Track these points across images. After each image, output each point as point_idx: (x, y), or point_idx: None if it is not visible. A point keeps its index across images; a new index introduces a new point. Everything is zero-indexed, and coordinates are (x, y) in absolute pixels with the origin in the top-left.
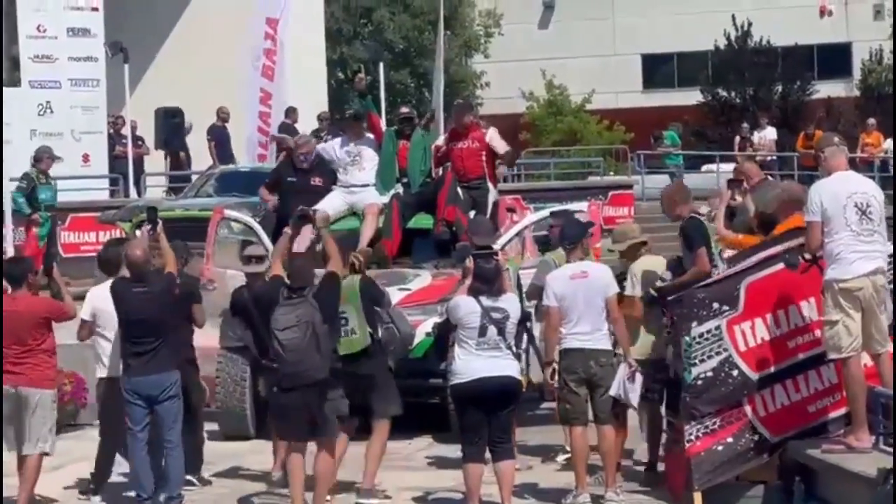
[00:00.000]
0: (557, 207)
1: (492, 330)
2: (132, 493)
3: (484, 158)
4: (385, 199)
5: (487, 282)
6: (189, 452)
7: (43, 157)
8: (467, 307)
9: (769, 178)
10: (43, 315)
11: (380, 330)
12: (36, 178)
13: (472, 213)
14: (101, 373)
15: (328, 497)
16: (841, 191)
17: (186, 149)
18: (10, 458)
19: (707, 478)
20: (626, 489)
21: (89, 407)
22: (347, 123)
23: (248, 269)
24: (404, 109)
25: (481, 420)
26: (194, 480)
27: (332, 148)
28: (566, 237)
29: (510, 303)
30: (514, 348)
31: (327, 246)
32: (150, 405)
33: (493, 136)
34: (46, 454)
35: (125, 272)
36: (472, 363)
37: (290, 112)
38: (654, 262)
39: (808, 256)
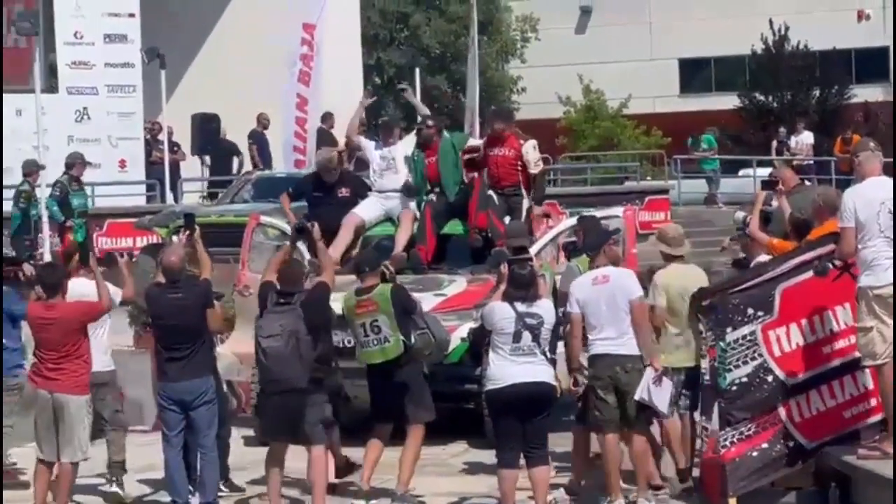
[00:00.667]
0: (587, 213)
1: (526, 336)
2: (167, 500)
3: (519, 167)
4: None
5: (522, 287)
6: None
7: (75, 163)
8: (502, 313)
9: (805, 182)
10: (79, 321)
11: (413, 337)
12: (68, 185)
13: (507, 219)
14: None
15: None
16: (874, 197)
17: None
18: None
19: (742, 484)
20: (659, 496)
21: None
22: (383, 128)
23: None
24: (430, 123)
25: (515, 426)
26: (221, 486)
27: (369, 150)
28: (586, 245)
29: (545, 309)
30: (548, 354)
31: (321, 257)
32: (185, 411)
33: (528, 150)
34: (84, 460)
35: (160, 277)
36: (507, 369)
37: (327, 117)
38: (685, 272)
39: (838, 263)
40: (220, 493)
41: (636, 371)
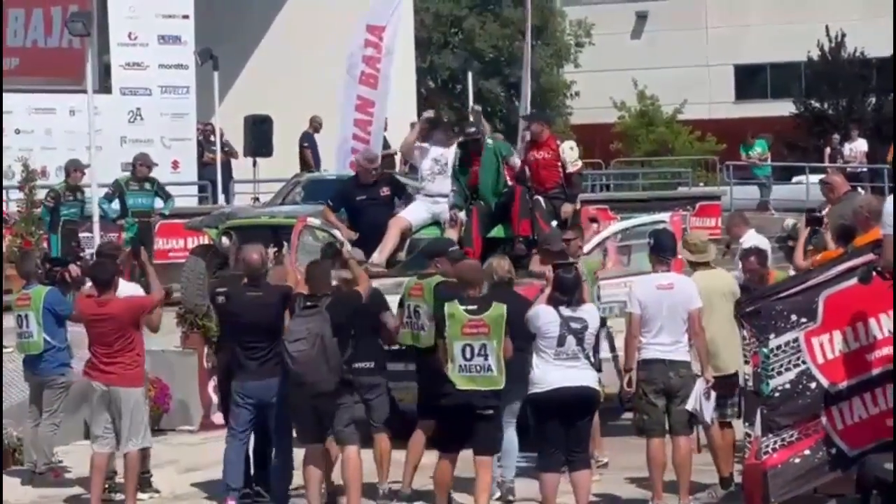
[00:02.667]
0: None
1: (570, 340)
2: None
3: (560, 167)
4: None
5: (567, 291)
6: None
7: (136, 165)
8: (546, 317)
9: (857, 190)
10: (131, 315)
11: None
12: (124, 184)
13: (553, 223)
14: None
15: None
16: None
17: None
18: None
19: (784, 490)
20: (702, 501)
21: (172, 412)
22: (441, 127)
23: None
24: (471, 130)
25: (558, 430)
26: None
27: (424, 154)
28: (662, 248)
29: (590, 313)
30: (591, 358)
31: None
32: (259, 409)
33: (566, 150)
34: (147, 447)
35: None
36: (550, 373)
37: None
38: (711, 276)
39: (880, 269)
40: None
41: (689, 377)
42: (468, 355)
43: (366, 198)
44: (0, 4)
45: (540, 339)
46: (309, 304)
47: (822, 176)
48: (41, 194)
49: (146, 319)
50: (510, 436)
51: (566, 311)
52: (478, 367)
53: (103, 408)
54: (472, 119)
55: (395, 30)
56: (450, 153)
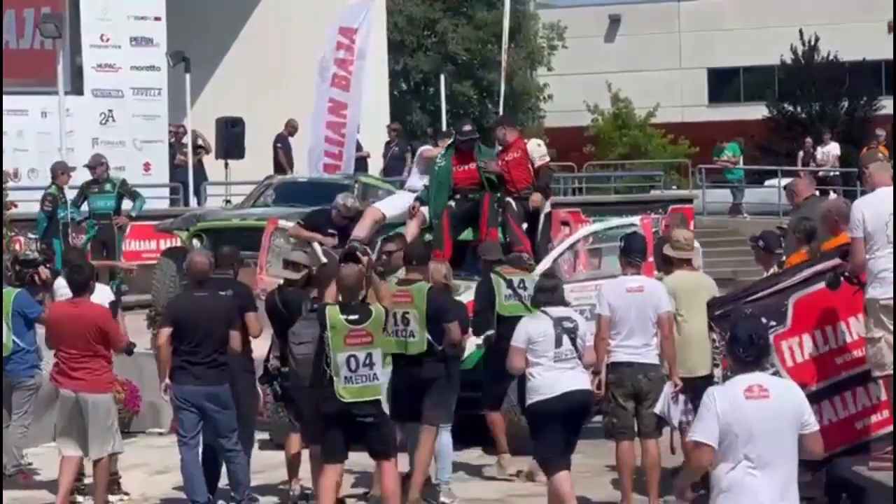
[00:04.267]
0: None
1: (566, 340)
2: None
3: (530, 166)
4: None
5: (547, 291)
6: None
7: (93, 167)
8: (537, 321)
9: (824, 195)
10: (100, 326)
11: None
12: (86, 188)
13: (525, 225)
14: None
15: None
16: (884, 208)
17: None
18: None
19: None
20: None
21: (142, 414)
22: (443, 135)
23: (283, 273)
24: (467, 128)
25: (561, 433)
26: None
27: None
28: (633, 251)
29: (575, 315)
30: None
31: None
32: (203, 414)
33: (533, 147)
34: (117, 453)
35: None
36: (553, 378)
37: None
38: (688, 278)
39: (847, 275)
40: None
41: (658, 379)
42: (353, 366)
43: (337, 232)
44: (0, 5)
45: (535, 346)
46: (315, 307)
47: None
48: (13, 196)
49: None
50: (446, 438)
51: (555, 312)
52: (364, 377)
53: (72, 414)
54: (468, 126)
55: (368, 32)
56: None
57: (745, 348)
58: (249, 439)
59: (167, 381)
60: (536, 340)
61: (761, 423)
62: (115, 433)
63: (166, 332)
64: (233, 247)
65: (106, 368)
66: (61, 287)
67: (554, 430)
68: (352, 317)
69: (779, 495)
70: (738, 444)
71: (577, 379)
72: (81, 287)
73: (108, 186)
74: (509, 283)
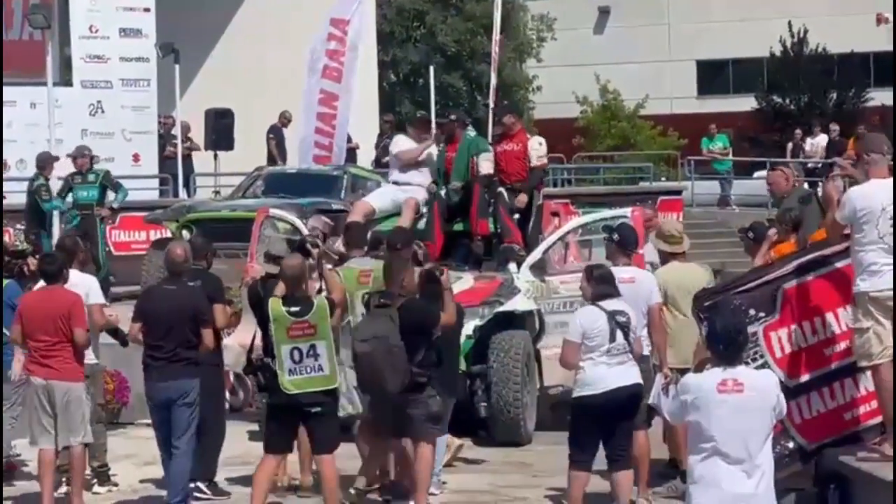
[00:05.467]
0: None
1: (619, 335)
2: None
3: (527, 161)
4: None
5: (604, 283)
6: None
7: (75, 158)
8: (592, 315)
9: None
10: (67, 310)
11: None
12: (71, 179)
13: (516, 216)
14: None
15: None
16: (877, 199)
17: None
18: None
19: None
20: (662, 494)
21: (131, 405)
22: (417, 123)
23: (265, 267)
24: (452, 116)
25: (600, 430)
26: (204, 488)
27: (396, 145)
28: (624, 242)
29: (626, 306)
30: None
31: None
32: (167, 409)
33: (534, 145)
34: (87, 444)
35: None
36: (604, 373)
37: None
38: (681, 269)
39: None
40: (201, 496)
41: (649, 371)
42: (297, 358)
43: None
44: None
45: (587, 341)
46: (382, 301)
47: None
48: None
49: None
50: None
51: (609, 306)
52: (308, 368)
53: (41, 402)
54: (455, 115)
55: (360, 24)
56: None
57: (724, 344)
58: (220, 434)
59: None
60: (592, 336)
61: (732, 416)
62: (85, 423)
63: (136, 326)
64: (206, 238)
65: (78, 358)
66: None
67: (593, 429)
68: (294, 308)
69: (750, 487)
70: (709, 437)
71: (628, 373)
72: (53, 276)
73: (91, 177)
74: None
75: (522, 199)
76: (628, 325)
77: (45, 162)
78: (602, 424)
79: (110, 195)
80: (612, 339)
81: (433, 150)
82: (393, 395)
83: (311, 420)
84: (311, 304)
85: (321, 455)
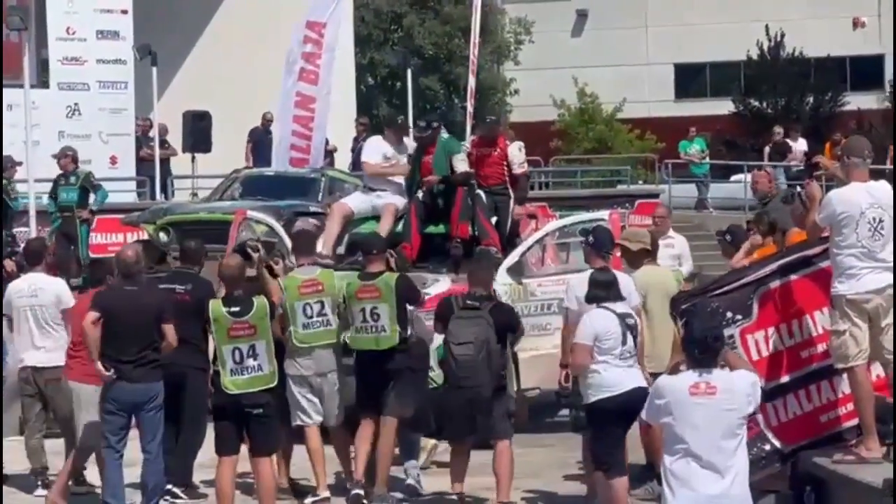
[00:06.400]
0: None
1: (629, 338)
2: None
3: (506, 166)
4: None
5: (604, 287)
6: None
7: (58, 160)
8: (604, 318)
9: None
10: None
11: (409, 329)
12: (56, 180)
13: (494, 219)
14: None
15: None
16: (857, 203)
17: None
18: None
19: None
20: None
21: None
22: (392, 127)
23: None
24: (422, 124)
25: (620, 433)
26: (180, 493)
27: (370, 148)
28: (600, 244)
29: (631, 309)
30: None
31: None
32: (132, 414)
33: (514, 151)
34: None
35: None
36: (619, 375)
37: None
38: (657, 273)
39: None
40: (175, 500)
41: None
42: (237, 358)
43: None
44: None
45: (601, 343)
46: (469, 303)
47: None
48: None
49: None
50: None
51: (618, 308)
52: (249, 369)
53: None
54: (421, 123)
55: (337, 26)
56: (401, 153)
57: (699, 349)
58: (199, 439)
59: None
60: (604, 338)
61: (704, 419)
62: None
63: (93, 315)
64: (199, 241)
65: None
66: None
67: (617, 430)
68: (233, 309)
69: (723, 488)
70: (682, 439)
71: (639, 376)
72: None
73: (72, 179)
74: None
75: (519, 210)
76: (636, 328)
77: (7, 164)
78: (621, 425)
79: (93, 197)
80: (624, 341)
81: (402, 168)
82: (477, 402)
83: (251, 422)
84: (251, 304)
85: (258, 458)
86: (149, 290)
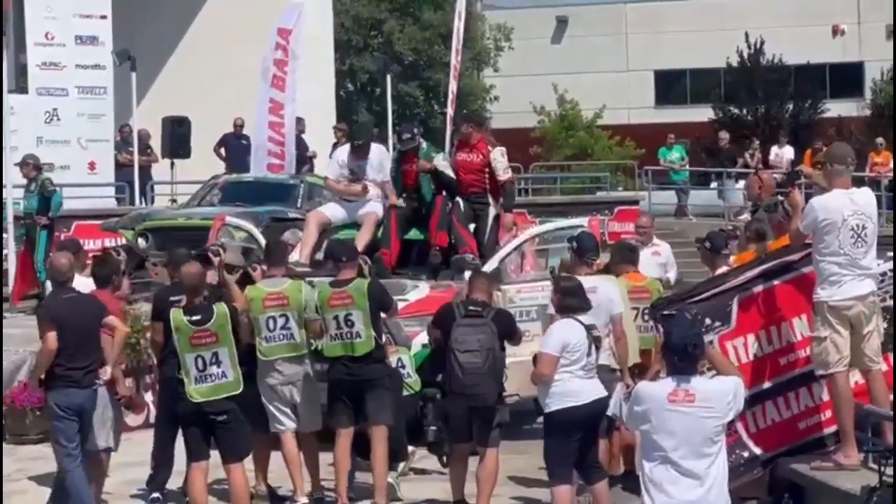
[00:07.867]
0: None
1: (593, 349)
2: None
3: (487, 173)
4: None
5: (575, 295)
6: None
7: (21, 165)
8: (573, 330)
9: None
10: (101, 314)
11: (383, 336)
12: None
13: (471, 226)
14: None
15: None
16: (839, 210)
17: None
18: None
19: None
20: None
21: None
22: (352, 149)
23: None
24: (406, 136)
25: (576, 443)
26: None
27: (337, 160)
28: (585, 250)
29: (594, 320)
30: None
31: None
32: (80, 419)
33: (497, 157)
34: (109, 450)
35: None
36: (581, 386)
37: (298, 122)
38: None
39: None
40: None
41: (610, 381)
42: (201, 366)
43: None
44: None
45: (568, 354)
46: (472, 310)
47: (742, 181)
48: None
49: None
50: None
51: (585, 319)
52: (213, 376)
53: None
54: (405, 135)
55: (299, 33)
56: (369, 162)
57: (678, 356)
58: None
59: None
60: (572, 350)
61: (682, 426)
62: (109, 429)
63: (53, 335)
64: (185, 249)
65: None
66: None
67: (573, 440)
68: (195, 317)
69: (700, 494)
70: (660, 446)
71: (599, 386)
72: (103, 280)
73: (32, 186)
74: None
75: (508, 219)
76: (599, 341)
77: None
78: (578, 436)
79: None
80: (590, 353)
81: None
82: (480, 409)
83: (217, 429)
84: (212, 311)
85: (229, 464)
86: (85, 295)
